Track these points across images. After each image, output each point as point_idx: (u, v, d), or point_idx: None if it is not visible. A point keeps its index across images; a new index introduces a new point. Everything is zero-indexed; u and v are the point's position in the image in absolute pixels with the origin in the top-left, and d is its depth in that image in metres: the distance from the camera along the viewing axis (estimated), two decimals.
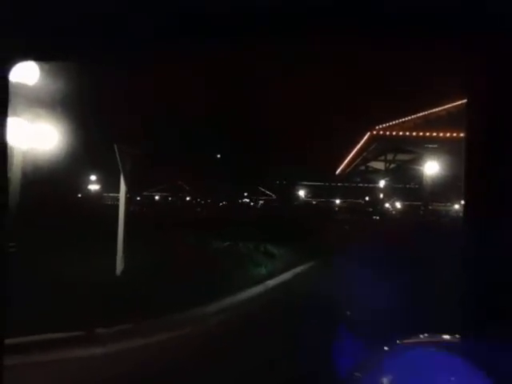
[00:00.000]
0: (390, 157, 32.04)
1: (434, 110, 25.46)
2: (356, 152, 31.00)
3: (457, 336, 0.94)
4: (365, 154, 30.88)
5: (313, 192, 35.92)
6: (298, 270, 9.68)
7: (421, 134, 25.89)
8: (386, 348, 1.00)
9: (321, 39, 1.47)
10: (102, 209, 20.66)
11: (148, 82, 18.07)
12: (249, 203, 36.22)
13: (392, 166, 32.65)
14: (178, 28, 1.34)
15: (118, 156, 6.38)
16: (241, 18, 1.31)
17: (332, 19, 1.30)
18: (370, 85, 24.01)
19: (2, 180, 1.38)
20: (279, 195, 35.12)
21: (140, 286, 6.11)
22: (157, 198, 37.49)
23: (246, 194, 37.36)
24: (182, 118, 24.59)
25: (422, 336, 0.95)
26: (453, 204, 25.93)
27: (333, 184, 34.74)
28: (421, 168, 24.79)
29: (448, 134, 24.05)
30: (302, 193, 35.56)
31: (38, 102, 6.89)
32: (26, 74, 6.52)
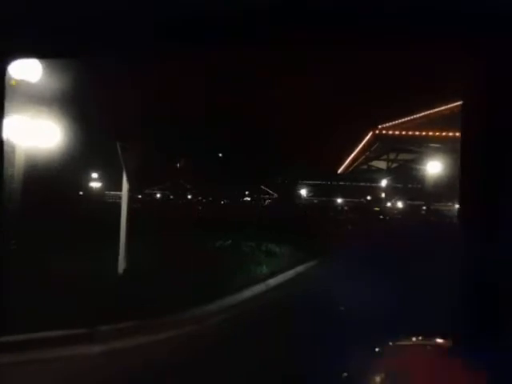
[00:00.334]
0: (392, 156, 32.01)
1: (436, 110, 25.42)
2: (358, 151, 31.01)
3: (448, 338, 0.92)
4: (367, 153, 30.88)
5: (314, 191, 35.92)
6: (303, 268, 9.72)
7: (424, 133, 25.85)
8: (377, 349, 0.98)
9: (322, 39, 1.47)
10: (103, 206, 20.68)
11: (149, 80, 18.10)
12: (250, 202, 36.23)
13: (394, 165, 32.62)
14: (180, 28, 1.34)
15: (120, 154, 6.37)
16: (250, 19, 1.30)
17: (334, 21, 1.30)
18: (372, 84, 24.04)
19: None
20: (281, 194, 35.14)
21: (142, 285, 6.10)
22: (158, 196, 37.51)
23: (247, 193, 37.39)
24: (184, 116, 24.62)
25: (414, 338, 0.93)
26: (454, 204, 25.93)
27: (335, 183, 34.74)
28: (423, 167, 24.76)
29: (451, 134, 24.04)
30: (303, 192, 35.57)
31: (39, 99, 6.88)
32: (28, 71, 6.53)
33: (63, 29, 1.35)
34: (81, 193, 23.83)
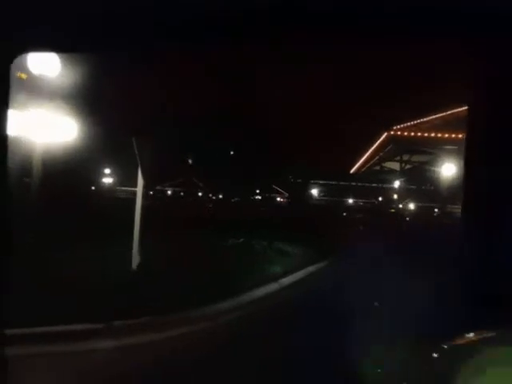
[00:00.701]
0: (405, 157, 31.73)
1: (452, 111, 25.12)
2: (372, 152, 30.79)
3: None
4: (381, 154, 30.65)
5: (327, 191, 35.73)
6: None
7: (439, 134, 25.58)
8: (435, 355, 0.92)
9: (322, 39, 1.45)
10: (115, 202, 20.78)
11: (161, 79, 18.20)
12: (261, 200, 36.16)
13: (408, 166, 32.34)
14: (180, 28, 1.33)
15: (136, 150, 6.38)
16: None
17: (334, 21, 1.28)
18: (386, 85, 23.87)
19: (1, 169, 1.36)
20: (292, 193, 35.00)
21: (156, 281, 6.11)
22: (169, 192, 37.60)
23: (258, 191, 37.32)
24: (195, 114, 24.67)
25: (469, 335, 0.86)
26: None
27: (347, 183, 34.54)
28: (438, 169, 24.48)
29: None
30: (315, 191, 35.41)
31: (55, 93, 6.93)
32: (45, 66, 6.57)
33: (63, 26, 1.35)
34: (93, 188, 24.01)
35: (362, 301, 5.29)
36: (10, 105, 1.25)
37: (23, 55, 1.43)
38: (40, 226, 6.55)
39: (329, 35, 1.40)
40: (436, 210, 28.66)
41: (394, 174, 32.25)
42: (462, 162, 22.64)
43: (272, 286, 7.66)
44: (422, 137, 26.81)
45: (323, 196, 35.85)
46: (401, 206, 31.44)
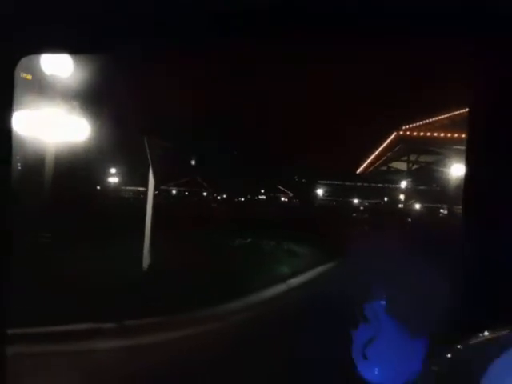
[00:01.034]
0: (412, 157, 31.50)
1: (459, 112, 24.95)
2: (380, 152, 30.56)
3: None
4: (389, 154, 30.46)
5: (333, 191, 35.56)
6: None
7: (448, 135, 25.41)
8: (449, 355, 0.88)
9: (322, 39, 1.46)
10: (122, 202, 20.85)
11: (162, 80, 18.23)
12: (265, 200, 36.10)
13: (415, 166, 32.11)
14: (180, 27, 1.34)
15: (147, 149, 6.38)
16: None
17: (334, 21, 1.28)
18: (392, 85, 23.79)
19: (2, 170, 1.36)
20: (297, 193, 34.91)
21: (167, 281, 6.11)
22: (174, 192, 37.60)
23: (262, 191, 37.24)
24: (199, 114, 24.68)
25: (484, 334, 0.83)
26: None
27: (354, 183, 34.37)
28: (446, 170, 24.31)
29: None
30: (321, 191, 35.28)
31: (67, 93, 6.95)
32: (57, 66, 6.59)
33: (63, 26, 1.35)
34: (99, 187, 24.08)
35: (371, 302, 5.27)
36: (18, 105, 1.26)
37: (26, 57, 1.44)
38: (52, 225, 6.58)
39: (329, 35, 1.40)
40: (441, 210, 28.53)
41: (401, 174, 32.07)
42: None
43: (280, 287, 7.66)
44: (432, 136, 26.54)
45: (328, 196, 35.73)
46: (408, 206, 31.28)
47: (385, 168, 33.57)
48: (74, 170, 10.15)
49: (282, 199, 36.72)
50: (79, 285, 5.05)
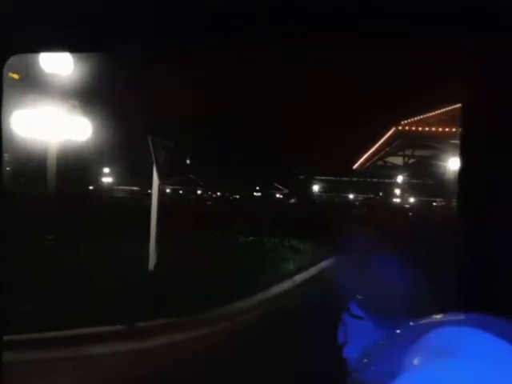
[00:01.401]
0: (408, 152, 31.62)
1: (456, 106, 25.07)
2: (379, 147, 30.63)
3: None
4: (387, 149, 30.61)
5: (331, 187, 35.53)
6: None
7: (447, 129, 25.50)
8: (397, 331, 0.84)
9: (322, 39, 1.45)
10: (118, 202, 20.73)
11: (157, 80, 18.18)
12: (261, 197, 36.03)
13: (411, 161, 32.23)
14: (180, 27, 1.31)
15: (151, 147, 6.29)
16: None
17: (334, 21, 1.26)
18: (393, 83, 23.87)
19: None
20: (295, 189, 34.81)
21: (173, 281, 6.04)
22: (168, 190, 37.48)
23: (258, 188, 37.18)
24: (197, 113, 24.62)
25: (436, 316, 0.79)
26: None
27: (352, 179, 34.41)
28: (444, 164, 24.42)
29: None
30: (318, 187, 35.29)
31: (66, 92, 6.84)
32: (56, 64, 6.47)
33: (62, 25, 1.30)
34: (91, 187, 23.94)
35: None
36: (7, 105, 1.22)
37: (19, 55, 1.40)
38: (57, 226, 6.50)
39: (329, 35, 1.38)
40: (435, 203, 28.67)
41: (397, 169, 32.16)
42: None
43: (286, 284, 7.64)
44: (430, 131, 26.63)
45: (328, 192, 35.68)
46: (406, 200, 31.37)
47: (381, 163, 33.69)
48: (68, 170, 10.01)
49: (277, 195, 36.70)
50: (92, 285, 5.00)
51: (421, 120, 26.95)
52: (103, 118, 11.42)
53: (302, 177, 34.74)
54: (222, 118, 26.23)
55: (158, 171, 6.34)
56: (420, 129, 26.86)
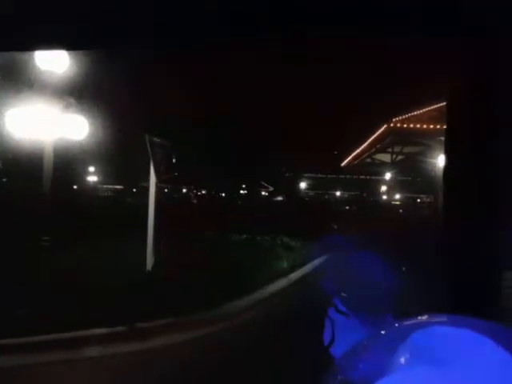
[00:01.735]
0: (397, 149, 31.87)
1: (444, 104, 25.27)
2: (369, 144, 30.78)
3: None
4: (378, 146, 30.83)
5: (320, 185, 35.66)
6: None
7: (438, 126, 25.78)
8: (383, 332, 0.86)
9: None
10: (106, 201, 20.57)
11: (149, 79, 18.04)
12: (247, 195, 36.05)
13: (400, 157, 32.50)
14: (179, 27, 1.33)
15: (148, 146, 6.24)
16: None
17: (334, 20, 1.30)
18: (385, 81, 24.08)
19: None
20: (282, 188, 34.86)
21: (172, 282, 6.01)
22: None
23: (244, 186, 37.20)
24: (187, 112, 24.50)
25: (422, 317, 0.81)
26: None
27: (339, 176, 34.61)
28: (432, 160, 24.68)
29: None
30: (305, 185, 35.42)
31: (61, 90, 6.73)
32: (52, 62, 6.35)
33: (62, 25, 1.31)
34: (75, 187, 23.68)
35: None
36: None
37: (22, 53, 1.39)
38: (52, 226, 6.42)
39: (329, 35, 1.41)
40: (418, 200, 29.01)
41: (385, 165, 32.43)
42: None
43: (281, 282, 7.66)
44: (421, 128, 26.86)
45: (316, 190, 35.83)
46: (392, 196, 31.70)
47: (369, 160, 33.95)
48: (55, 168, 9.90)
49: (262, 193, 36.78)
50: (89, 285, 4.95)
51: (413, 116, 27.21)
52: (94, 117, 11.30)
53: (289, 175, 34.84)
54: (211, 118, 26.15)
55: (156, 170, 6.28)
56: (412, 126, 27.10)
